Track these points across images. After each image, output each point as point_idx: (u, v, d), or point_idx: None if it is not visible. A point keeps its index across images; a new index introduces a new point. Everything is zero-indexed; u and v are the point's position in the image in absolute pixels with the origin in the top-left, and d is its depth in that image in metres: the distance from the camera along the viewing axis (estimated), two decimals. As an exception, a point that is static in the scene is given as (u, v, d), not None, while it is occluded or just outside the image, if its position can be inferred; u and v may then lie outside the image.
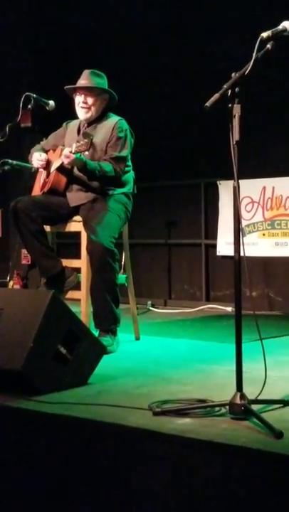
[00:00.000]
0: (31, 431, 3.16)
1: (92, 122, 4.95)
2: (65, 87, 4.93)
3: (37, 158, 5.00)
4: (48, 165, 5.02)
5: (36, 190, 5.16)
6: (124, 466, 2.83)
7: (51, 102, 5.00)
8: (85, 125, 4.99)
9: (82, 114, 4.92)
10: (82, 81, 4.90)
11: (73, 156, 4.63)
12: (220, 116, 3.02)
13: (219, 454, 2.61)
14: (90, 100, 4.88)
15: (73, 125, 5.09)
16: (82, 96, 4.89)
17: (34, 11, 8.36)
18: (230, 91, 2.98)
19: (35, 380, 3.42)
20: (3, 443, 3.22)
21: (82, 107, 4.90)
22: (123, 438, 2.86)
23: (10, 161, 4.86)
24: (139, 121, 5.45)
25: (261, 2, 6.62)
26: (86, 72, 4.93)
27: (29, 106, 4.89)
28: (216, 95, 2.98)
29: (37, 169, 5.03)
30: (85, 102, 4.88)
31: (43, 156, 5.01)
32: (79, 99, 4.90)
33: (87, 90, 4.88)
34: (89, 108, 4.89)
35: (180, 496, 2.66)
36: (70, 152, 4.65)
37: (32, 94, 4.88)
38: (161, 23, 7.42)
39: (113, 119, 4.91)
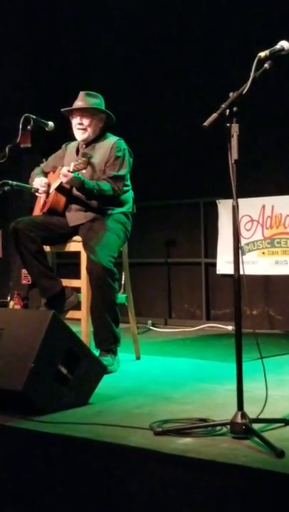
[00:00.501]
0: (32, 451, 3.15)
1: (91, 142, 4.97)
2: (62, 110, 4.96)
3: (40, 185, 5.01)
4: (48, 187, 5.04)
5: (36, 211, 5.18)
6: (125, 486, 2.82)
7: (50, 123, 5.02)
8: (84, 146, 5.01)
9: (79, 135, 4.95)
10: (78, 102, 4.94)
11: (71, 175, 4.66)
12: (219, 134, 3.04)
13: (220, 473, 2.61)
14: (85, 121, 4.91)
15: (72, 146, 5.11)
16: (78, 117, 4.92)
17: (34, 34, 8.41)
18: (228, 110, 3.00)
19: (36, 400, 3.42)
20: (5, 463, 3.22)
21: (79, 128, 4.93)
22: (124, 458, 2.86)
23: (10, 181, 4.87)
24: (138, 140, 5.47)
25: (259, 21, 6.66)
26: (81, 94, 4.97)
27: (28, 127, 4.91)
28: (214, 115, 2.99)
29: (37, 190, 5.04)
30: (81, 124, 4.91)
31: (44, 181, 5.03)
32: (75, 121, 4.93)
33: (83, 111, 4.91)
34: (85, 129, 4.92)
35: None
36: (68, 171, 4.67)
37: (31, 116, 4.91)
38: (160, 43, 7.46)
39: (111, 139, 4.94)
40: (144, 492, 2.76)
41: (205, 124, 2.98)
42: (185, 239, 7.56)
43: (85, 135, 4.93)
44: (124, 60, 7.66)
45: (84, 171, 4.69)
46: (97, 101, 4.94)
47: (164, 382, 4.30)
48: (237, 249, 3.05)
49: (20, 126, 4.83)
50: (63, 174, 4.70)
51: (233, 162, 3.01)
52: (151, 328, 7.19)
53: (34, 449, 3.15)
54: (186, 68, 7.25)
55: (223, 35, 7.01)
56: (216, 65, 6.98)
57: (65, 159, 5.07)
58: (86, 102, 4.92)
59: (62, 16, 8.20)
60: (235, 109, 3.00)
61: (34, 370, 3.39)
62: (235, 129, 2.99)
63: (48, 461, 3.08)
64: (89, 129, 4.92)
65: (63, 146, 5.20)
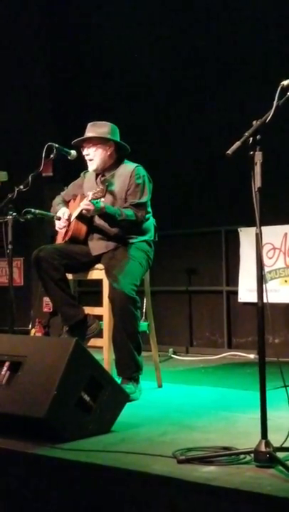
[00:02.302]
0: (55, 478, 3.14)
1: (108, 171, 4.99)
2: (72, 143, 4.98)
3: (62, 216, 5.04)
4: (69, 218, 5.06)
5: (59, 240, 5.20)
6: (148, 514, 2.81)
7: (73, 152, 5.05)
8: (101, 174, 5.03)
9: (89, 166, 4.98)
10: (85, 134, 4.97)
11: (93, 207, 4.66)
12: (241, 163, 3.05)
13: (245, 502, 2.59)
14: (90, 151, 4.93)
15: (90, 174, 5.12)
16: (84, 149, 4.95)
17: (56, 58, 8.52)
18: (251, 138, 3.02)
19: (58, 427, 3.42)
20: (28, 491, 3.21)
21: (87, 159, 4.96)
22: (148, 486, 2.84)
23: (33, 210, 4.91)
24: (159, 168, 5.50)
25: (281, 50, 6.70)
26: (88, 125, 5.00)
27: (51, 156, 4.95)
28: (238, 143, 3.01)
29: (59, 218, 5.06)
30: (88, 154, 4.94)
31: (66, 215, 5.05)
32: (84, 153, 4.97)
33: (86, 142, 4.94)
34: (92, 159, 4.94)
35: None
36: (89, 201, 4.68)
37: (54, 144, 4.94)
38: (181, 68, 7.52)
39: (130, 167, 4.95)
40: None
41: (228, 152, 3.00)
42: (206, 267, 7.56)
43: (94, 166, 4.95)
44: (145, 87, 7.72)
45: (102, 199, 4.70)
46: (103, 130, 4.94)
47: (186, 411, 4.28)
48: (261, 278, 3.05)
49: (44, 155, 4.87)
50: (85, 206, 4.70)
51: (256, 190, 3.02)
52: (172, 356, 7.17)
53: (56, 476, 3.15)
54: (208, 95, 7.30)
55: (245, 62, 7.05)
56: (238, 93, 7.01)
57: (84, 187, 5.09)
58: (88, 132, 4.95)
59: (84, 43, 8.29)
60: (258, 137, 3.01)
61: (57, 398, 3.39)
62: (258, 157, 3.00)
63: (71, 489, 3.07)
64: (95, 159, 4.93)
65: (82, 174, 5.22)
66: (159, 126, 7.63)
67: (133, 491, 2.88)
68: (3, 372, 3.69)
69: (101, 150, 4.93)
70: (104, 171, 4.99)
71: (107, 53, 8.07)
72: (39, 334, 7.43)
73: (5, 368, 3.70)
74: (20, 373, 3.63)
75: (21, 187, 4.84)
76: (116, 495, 2.93)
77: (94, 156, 4.93)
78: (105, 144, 4.94)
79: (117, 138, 4.98)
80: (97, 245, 4.92)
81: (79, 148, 5.01)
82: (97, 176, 5.06)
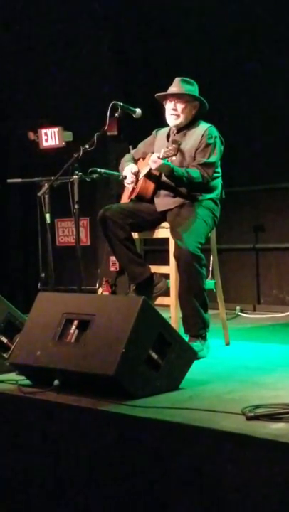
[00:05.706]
0: (124, 435, 3.18)
1: (182, 129, 4.96)
2: (156, 95, 4.96)
3: (129, 174, 5.04)
4: (137, 174, 5.06)
5: (124, 198, 5.21)
6: (217, 470, 2.82)
7: (138, 110, 5.03)
8: (175, 132, 5.00)
9: (171, 120, 4.94)
10: (173, 88, 4.93)
11: (161, 161, 4.65)
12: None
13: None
14: (179, 107, 4.89)
15: (163, 132, 5.11)
16: (172, 103, 4.91)
17: (121, 20, 8.44)
18: None
19: (127, 385, 3.45)
20: (96, 447, 3.26)
21: (172, 113, 4.92)
22: (217, 442, 2.85)
23: (98, 169, 4.93)
24: (228, 125, 5.43)
25: None
26: (177, 80, 4.96)
27: (116, 114, 4.94)
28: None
29: (125, 177, 5.07)
30: (175, 109, 4.90)
31: (134, 169, 5.05)
32: (169, 106, 4.93)
33: (177, 97, 4.90)
34: (178, 115, 4.91)
35: (275, 504, 2.63)
36: (158, 157, 4.67)
37: (119, 103, 4.93)
38: (252, 22, 7.36)
39: (203, 126, 4.92)
40: (236, 476, 2.76)
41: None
42: (274, 224, 7.47)
43: (178, 121, 4.92)
44: (214, 43, 7.60)
45: (174, 158, 4.69)
46: (192, 88, 4.92)
47: (254, 368, 4.28)
48: None
49: (108, 114, 4.86)
50: (153, 160, 4.71)
51: None
52: (240, 314, 7.15)
53: (126, 432, 3.18)
54: (280, 50, 7.15)
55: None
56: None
57: (156, 145, 5.07)
58: (181, 88, 4.91)
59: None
60: None
61: (125, 356, 3.42)
62: None
63: (139, 445, 3.11)
64: (182, 116, 4.91)
65: (154, 132, 5.20)
66: (229, 82, 7.49)
67: (202, 448, 2.90)
68: (71, 331, 3.74)
69: (189, 108, 4.91)
70: (180, 128, 4.96)
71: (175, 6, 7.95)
72: (106, 293, 7.49)
73: (73, 327, 3.74)
74: (89, 332, 3.66)
75: (87, 146, 4.86)
76: (185, 451, 2.95)
77: (181, 112, 4.90)
78: (193, 102, 4.92)
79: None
80: (163, 201, 4.92)
81: (161, 101, 4.98)
82: (168, 134, 5.03)
